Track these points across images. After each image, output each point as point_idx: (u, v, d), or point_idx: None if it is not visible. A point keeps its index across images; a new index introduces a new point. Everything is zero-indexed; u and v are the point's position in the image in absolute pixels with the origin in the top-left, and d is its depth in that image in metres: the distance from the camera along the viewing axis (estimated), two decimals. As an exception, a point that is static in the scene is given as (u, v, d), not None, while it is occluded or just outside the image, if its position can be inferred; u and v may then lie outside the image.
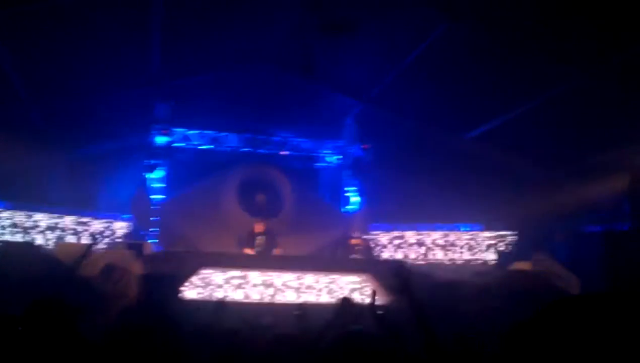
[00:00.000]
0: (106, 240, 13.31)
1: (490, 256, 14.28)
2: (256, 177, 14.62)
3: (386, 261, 12.99)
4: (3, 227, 12.64)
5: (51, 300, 2.94)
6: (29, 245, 11.80)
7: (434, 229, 15.10)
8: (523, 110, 12.64)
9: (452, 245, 14.81)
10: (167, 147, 14.24)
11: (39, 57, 11.25)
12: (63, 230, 13.20)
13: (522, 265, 10.55)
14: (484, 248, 14.66)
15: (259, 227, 12.37)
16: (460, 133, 14.68)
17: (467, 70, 11.99)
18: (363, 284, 10.40)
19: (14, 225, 12.76)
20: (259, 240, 12.17)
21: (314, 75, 11.98)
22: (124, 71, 12.72)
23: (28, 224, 12.90)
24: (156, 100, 14.08)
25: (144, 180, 14.01)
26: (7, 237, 12.51)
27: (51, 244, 12.51)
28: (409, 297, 3.59)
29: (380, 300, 10.19)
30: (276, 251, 12.20)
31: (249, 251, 12.04)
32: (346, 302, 7.09)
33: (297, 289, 10.33)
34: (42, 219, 13.06)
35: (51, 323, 2.76)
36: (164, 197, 14.21)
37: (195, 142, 14.96)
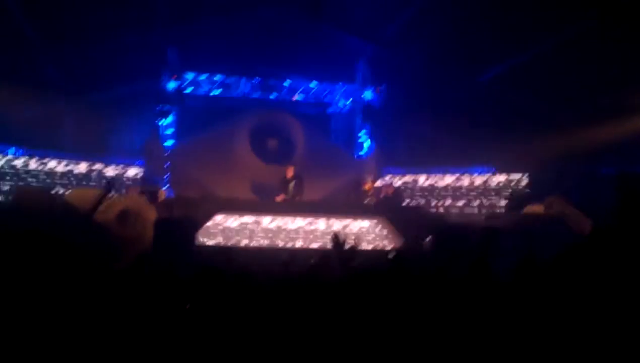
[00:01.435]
0: (120, 186, 13.40)
1: (503, 199, 14.25)
2: (268, 122, 14.55)
3: (399, 205, 12.98)
4: (18, 174, 12.76)
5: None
6: (44, 190, 11.93)
7: (447, 173, 15.05)
8: (536, 51, 12.41)
9: (465, 188, 14.77)
10: (178, 93, 14.15)
11: (49, 4, 11.13)
12: (77, 176, 13.31)
13: (535, 208, 10.52)
14: (496, 191, 14.63)
15: (289, 173, 12.44)
16: (473, 75, 14.48)
17: (480, 10, 11.75)
18: (376, 228, 10.46)
19: (29, 172, 12.88)
20: (290, 185, 12.27)
21: (323, 17, 11.76)
22: (134, 16, 12.57)
23: (43, 171, 13.01)
24: (167, 44, 13.93)
25: (156, 126, 14.01)
26: (22, 183, 12.65)
27: (66, 190, 12.63)
28: (419, 241, 3.61)
29: (392, 244, 10.28)
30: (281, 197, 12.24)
31: (282, 197, 12.12)
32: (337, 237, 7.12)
33: (309, 234, 10.42)
34: (57, 166, 13.16)
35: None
36: (175, 143, 14.21)
37: (206, 88, 14.84)
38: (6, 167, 12.68)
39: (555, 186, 12.48)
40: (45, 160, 13.06)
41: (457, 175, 14.97)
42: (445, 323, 2.28)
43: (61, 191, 12.58)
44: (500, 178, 14.66)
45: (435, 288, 2.87)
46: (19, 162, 12.85)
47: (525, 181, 14.48)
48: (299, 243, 10.28)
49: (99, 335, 2.51)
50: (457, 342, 2.08)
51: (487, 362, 1.93)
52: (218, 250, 8.24)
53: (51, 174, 13.06)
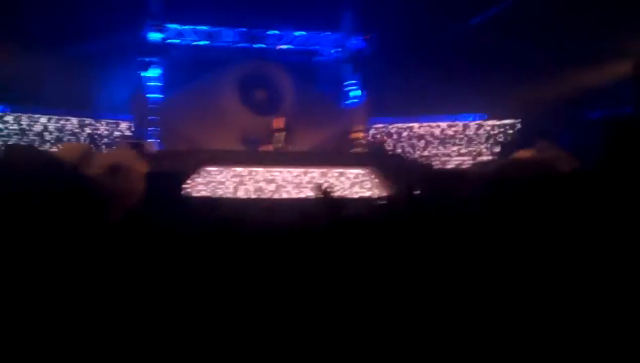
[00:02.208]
0: (108, 140, 13.32)
1: (493, 145, 14.29)
2: (255, 72, 14.40)
3: (387, 154, 13.00)
4: (7, 131, 12.66)
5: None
6: (33, 147, 11.84)
7: (436, 121, 15.04)
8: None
9: (454, 136, 14.80)
10: (162, 44, 13.92)
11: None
12: (65, 131, 13.21)
13: (525, 153, 10.56)
14: (486, 138, 14.66)
15: (278, 123, 12.35)
16: (462, 20, 14.33)
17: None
18: (364, 178, 10.49)
19: (17, 129, 12.78)
20: (278, 136, 12.19)
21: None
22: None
23: (30, 127, 12.91)
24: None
25: (140, 79, 13.83)
26: (11, 141, 12.56)
27: (54, 146, 12.56)
28: (408, 189, 3.63)
29: (380, 193, 10.32)
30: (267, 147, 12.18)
31: (267, 147, 12.07)
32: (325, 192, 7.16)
33: (298, 185, 10.44)
34: (45, 122, 13.06)
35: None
36: (161, 96, 14.07)
37: (190, 38, 14.61)
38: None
39: (545, 131, 12.51)
40: (33, 116, 12.95)
41: (448, 122, 14.97)
42: (436, 271, 2.30)
43: (50, 147, 12.51)
44: (491, 123, 14.69)
45: (425, 235, 2.89)
46: (9, 119, 12.74)
47: (517, 126, 14.51)
48: (286, 194, 10.31)
49: (93, 289, 2.53)
50: (447, 291, 2.11)
51: (477, 312, 1.96)
52: (207, 201, 8.26)
53: (39, 129, 12.98)
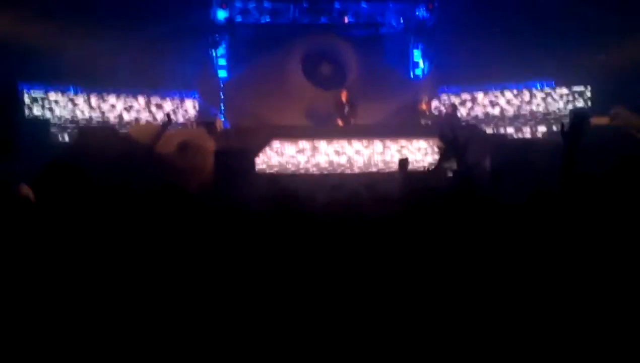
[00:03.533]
0: (178, 119, 13.60)
1: (566, 112, 13.80)
2: (319, 47, 14.33)
3: (458, 125, 12.73)
4: (82, 112, 13.08)
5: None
6: (106, 128, 12.22)
7: (505, 89, 14.63)
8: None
9: (526, 103, 14.37)
10: (228, 22, 14.05)
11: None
12: (137, 110, 13.56)
13: (601, 120, 10.18)
14: (560, 105, 14.17)
15: (343, 97, 12.36)
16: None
17: None
18: (434, 149, 10.34)
19: (91, 109, 13.18)
20: (346, 110, 12.21)
21: None
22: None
23: (102, 107, 13.30)
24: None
25: (209, 57, 14.01)
26: (83, 122, 12.98)
27: (126, 126, 12.90)
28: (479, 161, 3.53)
29: (449, 164, 10.18)
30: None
31: (340, 121, 12.12)
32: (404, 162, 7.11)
33: (369, 157, 10.41)
34: (115, 102, 13.42)
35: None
36: (229, 73, 14.23)
37: (255, 15, 14.68)
38: (69, 106, 13.00)
39: (621, 97, 12.01)
40: (105, 97, 13.32)
41: (516, 91, 14.55)
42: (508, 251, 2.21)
43: (122, 127, 12.86)
44: (562, 91, 14.18)
45: (496, 211, 2.80)
46: (80, 100, 13.14)
47: (588, 94, 13.97)
48: (357, 168, 10.30)
49: (163, 264, 2.57)
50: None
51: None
52: (276, 177, 8.34)
53: (111, 110, 13.35)
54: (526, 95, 14.37)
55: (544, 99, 14.26)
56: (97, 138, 9.44)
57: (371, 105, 13.30)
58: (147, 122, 13.26)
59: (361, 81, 13.81)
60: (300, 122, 12.90)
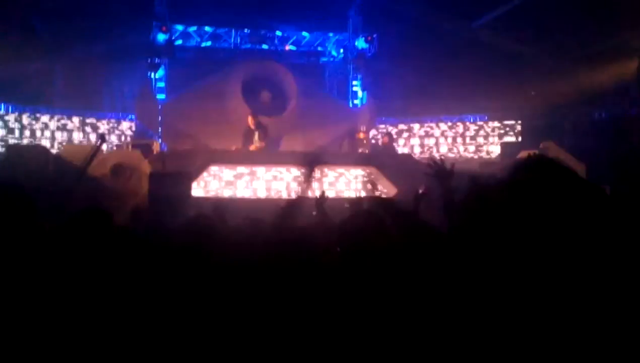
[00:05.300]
0: (113, 140, 13.35)
1: (497, 146, 14.28)
2: (260, 73, 14.37)
3: (393, 154, 12.97)
4: (11, 130, 12.69)
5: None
6: (38, 146, 11.87)
7: (440, 121, 15.09)
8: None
9: (459, 136, 14.82)
10: (168, 45, 13.93)
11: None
12: (70, 130, 13.25)
13: (529, 154, 10.53)
14: (490, 138, 14.67)
15: (251, 122, 11.94)
16: (466, 21, 14.34)
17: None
18: (369, 177, 10.47)
19: (21, 128, 12.80)
20: (256, 135, 11.85)
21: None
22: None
23: (35, 126, 12.94)
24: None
25: (147, 79, 13.86)
26: (14, 141, 12.59)
27: (59, 146, 12.59)
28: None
29: (386, 192, 10.32)
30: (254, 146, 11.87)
31: (252, 147, 11.82)
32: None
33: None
34: (48, 121, 13.09)
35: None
36: (167, 96, 14.11)
37: (196, 39, 14.66)
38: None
39: (550, 132, 12.50)
40: (37, 115, 12.98)
41: (450, 123, 15.01)
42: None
43: (55, 147, 12.54)
44: (494, 124, 14.70)
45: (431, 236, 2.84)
46: (10, 118, 12.74)
47: (518, 128, 14.51)
48: (294, 193, 10.30)
49: (95, 291, 2.51)
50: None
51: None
52: (213, 202, 8.26)
53: (44, 129, 13.00)
54: (460, 127, 14.84)
55: (476, 132, 14.75)
56: (27, 156, 9.14)
57: (310, 133, 13.40)
58: (81, 142, 12.97)
59: (301, 108, 13.92)
60: (238, 147, 12.86)
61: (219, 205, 5.85)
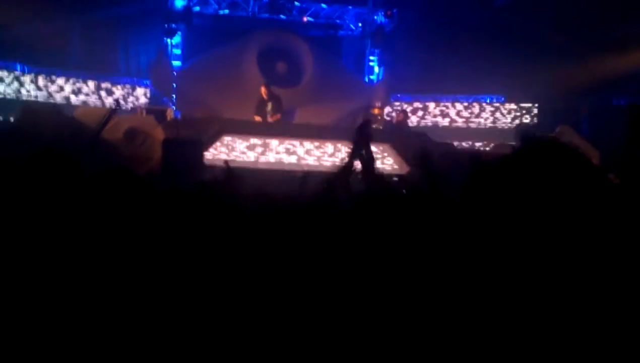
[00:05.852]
0: (128, 105, 13.36)
1: (512, 128, 14.17)
2: (277, 44, 14.29)
3: (405, 131, 12.91)
4: (27, 91, 12.70)
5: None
6: (53, 107, 11.90)
7: (456, 100, 14.95)
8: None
9: (475, 116, 14.71)
10: (186, 11, 13.84)
11: None
12: (85, 94, 13.25)
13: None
14: (507, 120, 14.55)
15: (264, 93, 11.90)
16: (486, 2, 14.18)
17: None
18: (382, 154, 10.45)
19: (38, 88, 12.81)
20: (269, 106, 11.82)
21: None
22: None
23: (51, 88, 12.95)
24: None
25: (164, 45, 13.80)
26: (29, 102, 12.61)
27: (74, 108, 12.59)
28: (427, 167, 3.56)
29: (399, 170, 10.30)
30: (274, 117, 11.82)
31: (270, 119, 11.80)
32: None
33: (319, 158, 10.43)
34: (64, 84, 13.09)
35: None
36: (183, 63, 14.07)
37: (214, 6, 14.55)
38: (14, 84, 12.60)
39: (566, 116, 12.39)
40: (53, 78, 12.97)
41: (467, 103, 14.88)
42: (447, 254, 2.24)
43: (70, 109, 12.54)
44: (511, 106, 14.58)
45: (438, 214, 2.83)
46: (26, 79, 12.75)
47: (534, 111, 14.39)
48: (307, 166, 10.29)
49: (106, 253, 2.51)
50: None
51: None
52: (227, 168, 8.26)
53: (59, 91, 13.01)
54: (476, 108, 14.71)
55: (492, 113, 14.63)
56: (41, 116, 9.16)
57: (325, 106, 13.35)
58: (95, 106, 12.98)
59: (316, 81, 13.85)
60: (252, 118, 12.84)
61: (232, 173, 5.82)
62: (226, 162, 5.27)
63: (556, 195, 1.49)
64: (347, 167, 3.34)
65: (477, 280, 1.63)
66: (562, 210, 1.48)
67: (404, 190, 3.30)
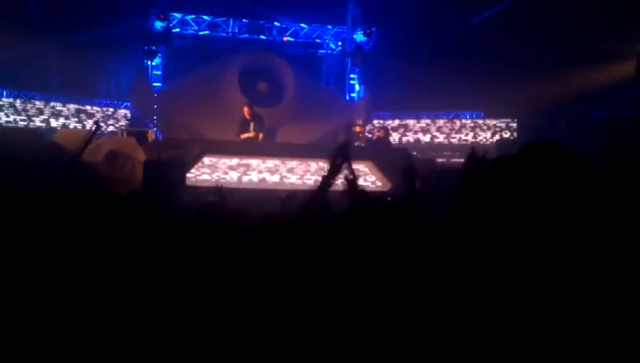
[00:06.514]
0: (108, 127, 13.28)
1: (492, 143, 14.28)
2: (257, 64, 14.32)
3: (389, 149, 12.97)
4: (6, 115, 12.60)
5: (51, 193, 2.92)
6: (32, 130, 11.81)
7: (436, 117, 15.09)
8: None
9: (455, 132, 14.83)
10: (165, 32, 13.82)
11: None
12: (65, 117, 13.17)
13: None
14: (487, 135, 14.68)
15: (246, 113, 11.87)
16: (464, 18, 14.34)
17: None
18: (365, 171, 10.47)
19: (16, 112, 12.71)
20: (252, 125, 11.79)
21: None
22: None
23: (30, 112, 12.86)
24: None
25: (144, 67, 13.77)
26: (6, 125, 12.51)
27: (53, 131, 12.50)
28: (410, 183, 3.57)
29: (382, 187, 10.31)
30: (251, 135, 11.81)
31: (246, 135, 11.75)
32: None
33: (301, 176, 10.43)
34: (43, 107, 13.01)
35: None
36: (163, 84, 14.04)
37: (193, 27, 14.57)
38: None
39: (545, 130, 12.52)
40: (32, 101, 12.89)
41: (447, 119, 15.02)
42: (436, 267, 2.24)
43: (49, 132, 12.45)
44: (490, 122, 14.72)
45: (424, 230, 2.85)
46: (5, 102, 12.66)
47: (514, 126, 14.53)
48: (290, 185, 10.29)
49: (91, 278, 2.50)
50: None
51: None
52: (210, 190, 8.23)
53: (39, 114, 12.93)
54: (456, 124, 14.84)
55: (472, 129, 14.76)
56: (20, 139, 9.08)
57: (307, 125, 13.37)
58: (75, 128, 12.89)
59: (297, 100, 13.88)
60: (234, 138, 12.82)
61: (222, 193, 5.80)
62: (220, 186, 5.26)
63: (556, 196, 1.49)
64: (324, 187, 3.32)
65: (460, 294, 1.63)
66: (561, 210, 1.49)
67: (385, 207, 3.31)
